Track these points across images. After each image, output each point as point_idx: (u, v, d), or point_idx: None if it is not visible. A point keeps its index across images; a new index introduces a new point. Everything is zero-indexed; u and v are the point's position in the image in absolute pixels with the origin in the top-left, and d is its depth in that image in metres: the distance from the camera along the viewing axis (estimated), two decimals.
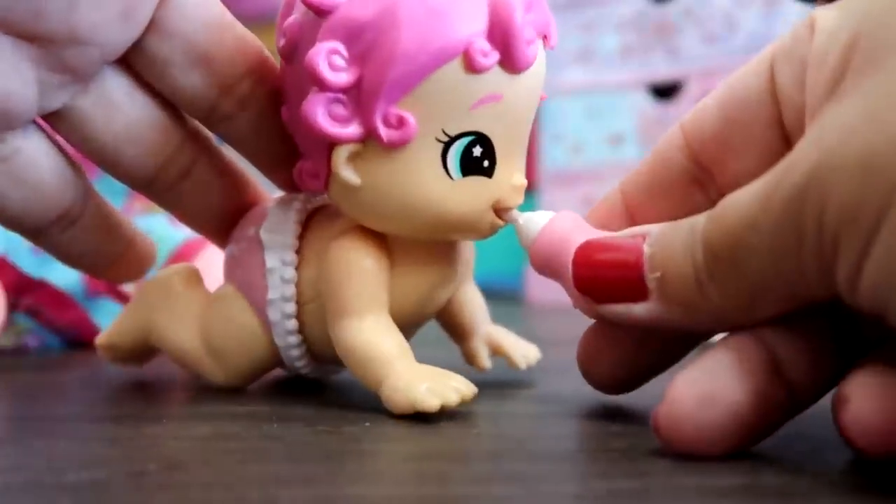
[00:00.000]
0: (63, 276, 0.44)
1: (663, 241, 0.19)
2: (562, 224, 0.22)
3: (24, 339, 0.44)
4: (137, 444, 0.20)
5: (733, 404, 0.17)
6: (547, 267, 0.22)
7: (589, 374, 0.24)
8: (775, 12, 0.96)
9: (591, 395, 0.24)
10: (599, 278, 0.20)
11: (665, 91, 1.06)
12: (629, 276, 0.20)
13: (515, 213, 0.23)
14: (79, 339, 0.45)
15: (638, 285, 0.19)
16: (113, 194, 0.51)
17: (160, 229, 0.45)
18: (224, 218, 0.28)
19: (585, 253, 0.21)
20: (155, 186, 0.26)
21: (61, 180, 0.25)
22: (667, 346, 0.23)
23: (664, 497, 0.15)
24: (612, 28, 1.10)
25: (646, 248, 0.19)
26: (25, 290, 0.43)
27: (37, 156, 0.24)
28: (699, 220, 0.18)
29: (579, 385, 0.24)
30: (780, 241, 0.17)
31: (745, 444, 0.18)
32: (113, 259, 0.28)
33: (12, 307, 0.43)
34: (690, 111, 0.22)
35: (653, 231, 0.20)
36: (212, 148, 0.27)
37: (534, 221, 0.22)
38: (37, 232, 0.26)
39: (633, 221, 0.23)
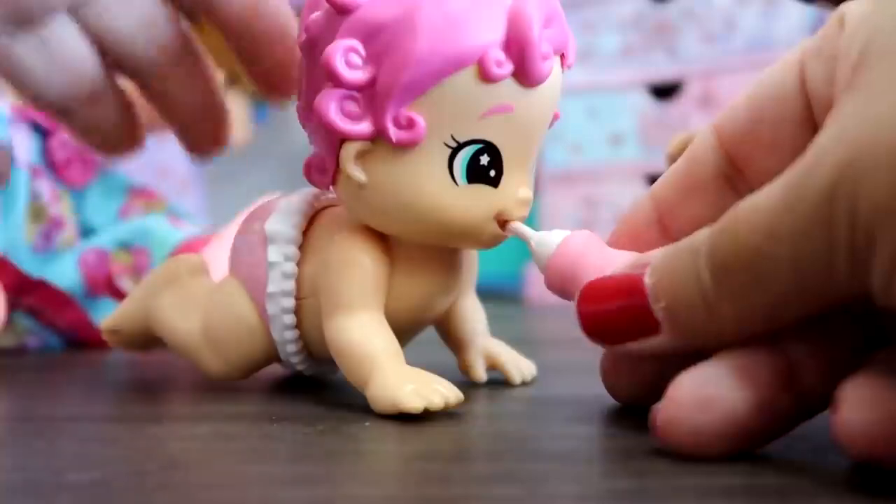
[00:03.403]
0: (63, 276, 0.44)
1: (662, 270, 0.19)
2: (574, 247, 0.22)
3: (24, 339, 0.44)
4: (137, 444, 0.20)
5: (731, 409, 0.17)
6: (562, 291, 0.22)
7: (614, 393, 0.23)
8: (775, 12, 0.96)
9: (591, 395, 0.24)
10: (608, 325, 0.20)
11: (665, 91, 1.06)
12: (636, 315, 0.19)
13: (519, 225, 0.23)
14: (79, 339, 0.45)
15: (648, 321, 0.19)
16: (114, 192, 0.51)
17: (160, 229, 0.45)
18: (194, 118, 0.28)
19: (588, 304, 0.20)
20: (153, 74, 0.27)
21: (87, 62, 0.26)
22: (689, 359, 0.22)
23: (664, 497, 0.15)
24: (613, 28, 1.10)
25: (647, 280, 0.19)
26: (25, 290, 0.43)
27: (68, 38, 0.25)
28: (700, 240, 0.18)
29: (579, 385, 0.24)
30: (806, 246, 0.16)
31: (743, 449, 0.18)
32: (126, 136, 0.29)
33: (12, 307, 0.43)
34: (721, 113, 0.21)
35: (653, 260, 0.19)
36: (195, 50, 0.28)
37: (546, 244, 0.22)
38: (63, 109, 0.27)
39: (663, 227, 0.22)
